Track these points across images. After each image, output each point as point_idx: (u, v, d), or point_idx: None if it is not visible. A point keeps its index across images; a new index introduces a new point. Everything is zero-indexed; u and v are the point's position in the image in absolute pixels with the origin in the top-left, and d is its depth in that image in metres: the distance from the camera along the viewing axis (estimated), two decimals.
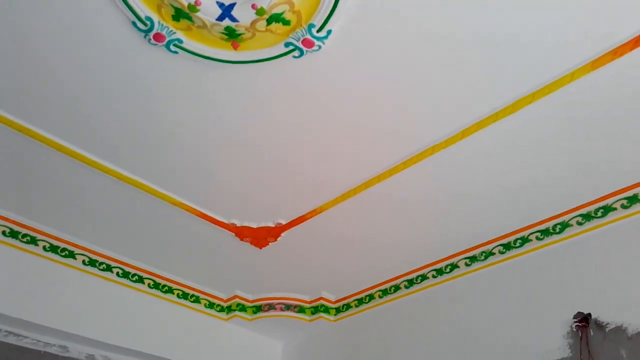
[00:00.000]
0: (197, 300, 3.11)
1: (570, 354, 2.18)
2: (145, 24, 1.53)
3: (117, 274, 2.79)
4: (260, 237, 2.59)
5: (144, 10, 1.50)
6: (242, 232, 2.56)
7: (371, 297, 3.04)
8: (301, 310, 3.18)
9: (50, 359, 2.59)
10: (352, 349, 3.06)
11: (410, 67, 1.69)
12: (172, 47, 1.60)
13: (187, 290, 3.06)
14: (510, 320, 2.44)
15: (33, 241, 2.52)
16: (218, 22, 1.50)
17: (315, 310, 3.17)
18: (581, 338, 2.16)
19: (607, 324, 2.13)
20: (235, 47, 1.60)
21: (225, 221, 2.50)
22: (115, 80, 1.75)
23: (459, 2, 1.49)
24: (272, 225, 2.53)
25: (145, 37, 1.58)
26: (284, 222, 2.51)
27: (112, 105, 1.86)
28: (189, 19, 1.51)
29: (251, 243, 2.62)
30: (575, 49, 1.61)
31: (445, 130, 1.94)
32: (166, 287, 2.98)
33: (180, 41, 1.59)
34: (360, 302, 3.08)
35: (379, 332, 2.97)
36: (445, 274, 2.74)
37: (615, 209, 2.23)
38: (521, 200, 2.28)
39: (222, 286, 3.11)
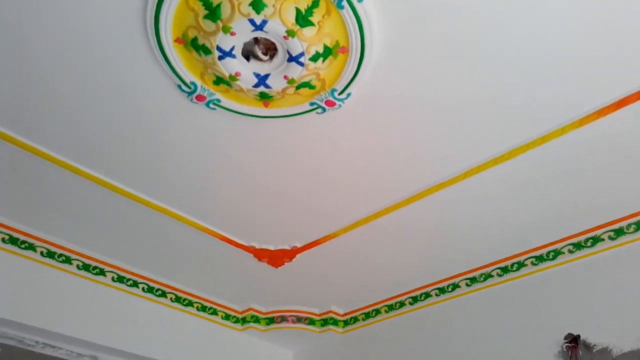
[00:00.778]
0: (214, 312, 3.23)
1: None
2: (189, 88, 1.72)
3: (143, 289, 2.96)
4: (277, 258, 2.73)
5: (189, 76, 1.69)
6: (260, 254, 2.71)
7: (377, 311, 3.14)
8: (311, 322, 3.29)
9: None
10: (359, 359, 3.19)
11: (414, 122, 1.88)
12: (211, 105, 1.79)
13: (205, 303, 3.19)
14: (506, 338, 2.54)
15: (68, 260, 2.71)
16: (254, 88, 1.69)
17: (325, 322, 3.28)
18: (571, 357, 2.27)
19: (594, 345, 2.23)
20: (266, 105, 1.78)
21: (246, 244, 2.66)
22: (148, 130, 1.95)
23: (458, 68, 1.67)
24: (288, 248, 2.68)
25: (188, 97, 1.76)
26: (299, 245, 2.66)
27: (144, 149, 2.05)
28: (228, 85, 1.70)
29: (268, 263, 2.76)
30: (565, 109, 1.82)
31: (449, 171, 2.11)
32: (187, 301, 3.12)
33: (219, 100, 1.77)
34: (367, 316, 3.19)
35: (384, 344, 3.07)
36: (447, 293, 2.85)
37: (603, 239, 2.37)
38: (517, 230, 2.42)
39: (239, 300, 3.24)
